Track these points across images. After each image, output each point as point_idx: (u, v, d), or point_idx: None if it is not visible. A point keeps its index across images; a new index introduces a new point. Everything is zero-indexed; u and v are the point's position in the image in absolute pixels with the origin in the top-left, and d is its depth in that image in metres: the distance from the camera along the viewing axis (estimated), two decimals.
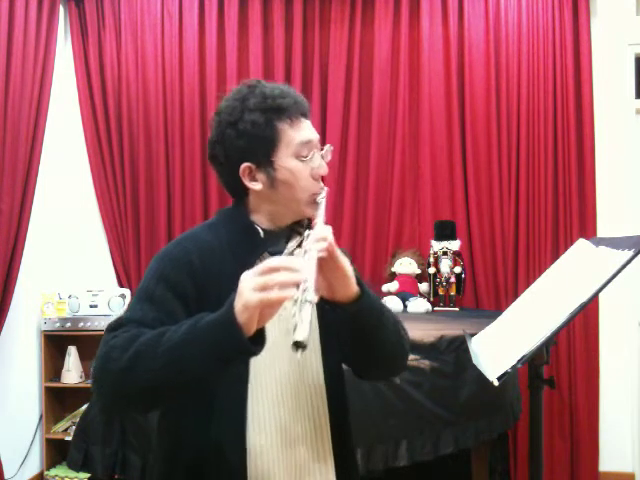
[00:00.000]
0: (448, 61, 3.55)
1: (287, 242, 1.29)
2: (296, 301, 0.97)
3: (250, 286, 0.97)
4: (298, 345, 0.93)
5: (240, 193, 1.28)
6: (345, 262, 1.15)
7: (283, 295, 0.96)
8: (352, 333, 1.20)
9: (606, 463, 3.46)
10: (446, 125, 3.54)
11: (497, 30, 3.51)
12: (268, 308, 0.98)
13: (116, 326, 1.11)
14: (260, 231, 1.25)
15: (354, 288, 1.16)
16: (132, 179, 3.70)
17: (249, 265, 1.19)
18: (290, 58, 3.64)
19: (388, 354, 1.27)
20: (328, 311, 1.18)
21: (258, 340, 1.01)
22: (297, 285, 0.97)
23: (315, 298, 0.98)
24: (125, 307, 3.42)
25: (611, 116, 3.48)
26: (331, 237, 1.12)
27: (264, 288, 0.96)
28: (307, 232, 1.17)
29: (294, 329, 0.94)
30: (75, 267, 3.74)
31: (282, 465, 1.20)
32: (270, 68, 3.63)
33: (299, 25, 3.61)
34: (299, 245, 1.27)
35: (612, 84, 3.48)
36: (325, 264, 1.11)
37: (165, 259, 1.21)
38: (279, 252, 1.26)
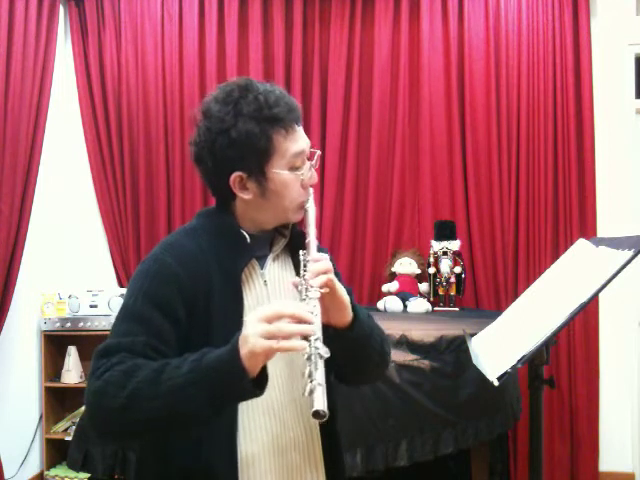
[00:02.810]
0: (448, 61, 3.54)
1: (272, 246, 1.29)
2: (309, 357, 0.96)
3: (257, 332, 0.96)
4: (317, 414, 0.92)
5: (226, 197, 1.25)
6: (343, 292, 1.17)
7: (292, 346, 0.96)
8: (339, 350, 1.17)
9: (606, 463, 3.46)
10: (446, 125, 3.54)
11: (497, 30, 3.50)
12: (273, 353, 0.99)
13: (105, 352, 1.09)
14: (247, 237, 1.23)
15: (349, 316, 1.19)
16: (132, 179, 3.69)
17: (237, 272, 1.19)
18: (290, 58, 3.63)
19: (371, 368, 1.32)
20: None
21: (261, 379, 1.01)
22: (305, 337, 0.97)
23: (327, 353, 0.98)
24: None
25: (611, 116, 3.48)
26: (330, 270, 1.13)
27: (271, 337, 0.96)
28: (302, 253, 1.18)
29: (310, 392, 0.94)
30: (75, 267, 3.74)
31: (274, 473, 1.20)
32: (270, 68, 3.63)
33: (299, 25, 3.61)
34: (287, 245, 1.29)
35: (612, 84, 3.48)
36: (325, 295, 1.12)
37: (148, 276, 1.17)
38: (264, 256, 1.27)
